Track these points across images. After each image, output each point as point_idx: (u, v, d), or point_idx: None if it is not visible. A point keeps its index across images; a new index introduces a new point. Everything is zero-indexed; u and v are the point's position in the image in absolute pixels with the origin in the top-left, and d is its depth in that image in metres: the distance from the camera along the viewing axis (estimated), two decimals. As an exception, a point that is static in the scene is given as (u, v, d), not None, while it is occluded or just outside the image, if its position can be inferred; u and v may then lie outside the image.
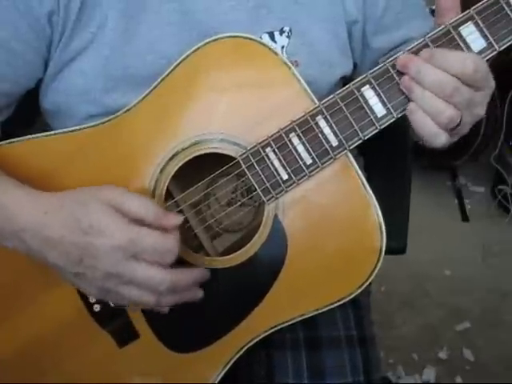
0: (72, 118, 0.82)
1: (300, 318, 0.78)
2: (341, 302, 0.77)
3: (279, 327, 0.79)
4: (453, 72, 0.66)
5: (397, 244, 1.00)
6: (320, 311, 0.78)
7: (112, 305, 0.79)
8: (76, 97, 0.81)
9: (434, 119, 0.69)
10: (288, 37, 0.82)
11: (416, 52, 0.70)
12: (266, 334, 0.79)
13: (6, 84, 0.80)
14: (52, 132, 0.78)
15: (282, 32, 0.82)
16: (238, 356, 0.80)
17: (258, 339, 0.79)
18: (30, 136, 0.78)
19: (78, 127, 0.78)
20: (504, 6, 0.69)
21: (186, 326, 0.80)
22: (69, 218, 0.68)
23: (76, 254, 0.68)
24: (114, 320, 0.80)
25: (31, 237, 0.70)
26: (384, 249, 0.75)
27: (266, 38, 0.81)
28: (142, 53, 0.78)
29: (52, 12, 0.75)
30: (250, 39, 0.74)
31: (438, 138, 0.70)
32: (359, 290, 0.76)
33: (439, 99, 0.67)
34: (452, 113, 0.67)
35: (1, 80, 0.79)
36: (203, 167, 0.78)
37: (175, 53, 0.75)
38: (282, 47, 0.82)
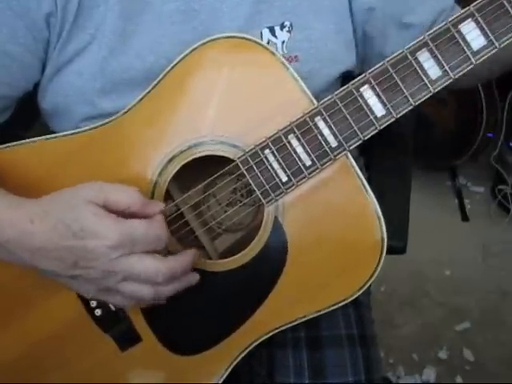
0: (70, 119, 0.82)
1: (302, 320, 0.78)
2: (343, 303, 0.77)
3: (281, 329, 0.79)
4: None
5: (397, 244, 1.00)
6: (322, 312, 0.77)
7: (113, 308, 0.78)
8: (73, 98, 0.80)
9: None
10: (289, 31, 0.81)
11: (417, 49, 0.70)
12: (268, 335, 0.79)
13: (4, 87, 0.80)
14: (49, 136, 0.78)
15: (282, 27, 0.81)
16: (240, 357, 0.80)
17: (260, 341, 0.79)
18: (27, 140, 0.78)
19: (74, 131, 0.77)
20: (504, 2, 0.68)
21: (187, 329, 0.80)
22: (57, 223, 0.67)
23: (70, 257, 0.67)
24: (116, 324, 0.79)
25: (19, 247, 0.68)
26: (385, 249, 0.75)
27: (266, 33, 0.81)
28: (142, 53, 0.78)
29: (50, 14, 0.75)
30: (247, 39, 0.74)
31: None
32: (361, 291, 0.76)
33: None
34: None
35: None
36: (203, 169, 0.78)
37: (177, 53, 0.75)
38: (283, 42, 0.81)
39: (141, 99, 0.76)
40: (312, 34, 0.82)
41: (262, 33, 0.80)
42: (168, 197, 0.79)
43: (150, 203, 0.69)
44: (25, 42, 0.76)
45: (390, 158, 1.10)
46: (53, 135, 0.78)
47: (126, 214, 0.67)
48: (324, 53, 0.83)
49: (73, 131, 0.77)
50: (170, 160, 0.75)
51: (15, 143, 0.78)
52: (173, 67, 0.75)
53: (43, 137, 0.78)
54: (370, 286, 0.77)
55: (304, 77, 0.73)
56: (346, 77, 0.87)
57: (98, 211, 0.66)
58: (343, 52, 0.86)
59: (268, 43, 0.80)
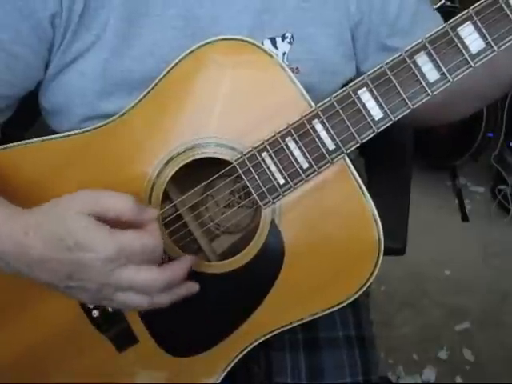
0: (69, 119, 0.82)
1: (299, 322, 0.78)
2: (340, 306, 0.77)
3: (278, 331, 0.79)
4: None
5: (396, 245, 1.00)
6: (320, 315, 0.77)
7: (110, 309, 0.78)
8: (74, 98, 0.80)
9: None
10: (290, 43, 0.81)
11: (415, 52, 0.69)
12: (265, 338, 0.79)
13: (7, 87, 0.80)
14: (47, 137, 0.78)
15: (283, 38, 0.81)
16: (237, 359, 0.80)
17: (256, 343, 0.79)
18: (25, 141, 0.77)
19: (72, 132, 0.77)
20: (503, 5, 0.68)
21: (184, 331, 0.80)
22: (51, 236, 0.66)
23: (64, 270, 0.67)
24: (113, 325, 0.79)
25: (14, 259, 0.68)
26: (382, 252, 0.74)
27: (267, 44, 0.80)
28: (142, 56, 0.78)
29: (55, 14, 0.75)
30: (246, 42, 0.73)
31: None
32: (358, 294, 0.76)
33: None
34: None
35: (1, 83, 0.79)
36: (201, 170, 0.77)
37: (176, 58, 0.74)
38: (284, 54, 0.81)
39: (139, 101, 0.76)
40: (313, 46, 0.82)
41: (262, 44, 0.80)
42: (166, 198, 0.79)
43: (144, 210, 0.68)
44: (29, 42, 0.76)
45: (390, 159, 1.10)
46: (51, 136, 0.78)
47: (119, 223, 0.66)
48: (325, 65, 0.84)
49: (71, 132, 0.77)
50: (168, 161, 0.75)
51: (14, 144, 0.77)
52: (171, 69, 0.74)
53: (41, 138, 0.77)
54: (370, 286, 0.77)
55: (304, 89, 0.73)
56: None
57: (91, 223, 0.65)
58: (343, 64, 0.86)
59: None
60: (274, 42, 0.81)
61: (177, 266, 0.70)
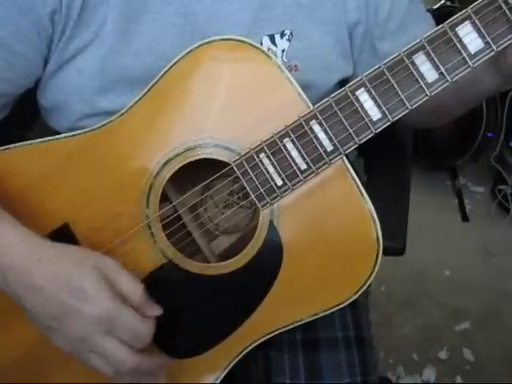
0: (68, 117, 0.82)
1: (299, 323, 0.78)
2: (340, 307, 0.77)
3: (277, 332, 0.79)
4: None
5: (396, 245, 0.99)
6: (319, 316, 0.77)
7: None
8: (72, 95, 0.80)
9: None
10: (289, 40, 0.81)
11: (413, 52, 0.69)
12: (264, 339, 0.79)
13: (6, 84, 0.80)
14: (46, 138, 0.78)
15: (282, 35, 0.81)
16: (237, 359, 0.80)
17: (256, 344, 0.79)
18: (25, 142, 0.77)
19: (71, 133, 0.77)
20: (502, 4, 0.68)
21: (183, 332, 0.80)
22: (62, 273, 0.68)
23: (56, 309, 0.68)
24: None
25: (16, 278, 0.69)
26: (381, 252, 0.74)
27: (266, 41, 0.81)
28: (140, 54, 0.78)
29: (54, 11, 0.75)
30: (244, 42, 0.73)
31: None
32: (357, 295, 0.76)
33: None
34: None
35: (0, 80, 0.79)
36: (199, 171, 0.77)
37: (175, 55, 0.74)
38: (283, 51, 0.82)
39: (137, 101, 0.76)
40: (311, 43, 0.83)
41: (261, 41, 0.80)
42: (165, 199, 0.79)
43: (148, 304, 0.70)
44: (29, 38, 0.77)
45: (390, 159, 1.09)
46: (51, 137, 0.78)
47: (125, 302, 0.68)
48: (322, 62, 0.84)
49: (69, 133, 0.77)
50: (166, 162, 0.75)
51: (14, 145, 0.77)
52: (169, 69, 0.74)
53: (41, 139, 0.77)
54: (369, 286, 0.77)
55: (303, 86, 0.73)
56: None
57: (101, 281, 0.68)
58: (341, 62, 0.86)
59: (268, 51, 0.79)
60: (272, 39, 0.81)
61: (152, 361, 0.72)
